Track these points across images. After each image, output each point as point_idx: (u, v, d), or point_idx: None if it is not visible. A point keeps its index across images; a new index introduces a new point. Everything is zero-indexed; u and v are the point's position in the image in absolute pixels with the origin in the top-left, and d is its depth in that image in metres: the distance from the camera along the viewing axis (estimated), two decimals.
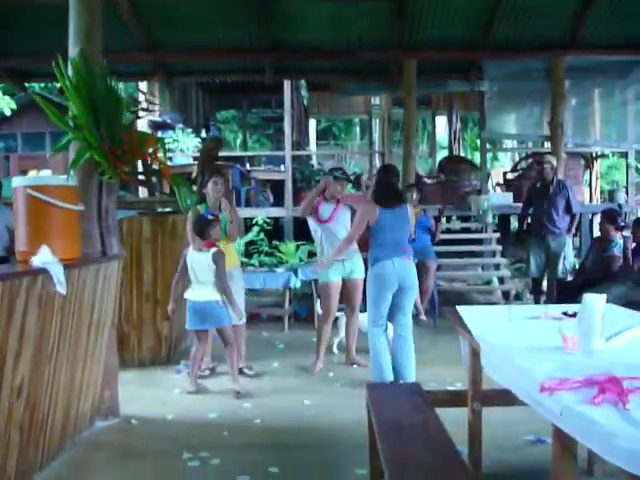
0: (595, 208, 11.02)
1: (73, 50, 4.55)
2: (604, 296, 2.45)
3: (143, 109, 4.74)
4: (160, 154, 4.58)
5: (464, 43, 8.94)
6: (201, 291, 5.25)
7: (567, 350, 2.47)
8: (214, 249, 5.22)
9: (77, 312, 3.98)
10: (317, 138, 21.78)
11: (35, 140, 14.79)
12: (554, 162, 7.65)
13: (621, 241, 6.57)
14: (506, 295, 9.44)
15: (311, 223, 6.11)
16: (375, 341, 5.26)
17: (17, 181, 4.16)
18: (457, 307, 3.75)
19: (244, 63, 9.75)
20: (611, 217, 6.71)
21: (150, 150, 4.50)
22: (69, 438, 4.14)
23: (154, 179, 6.82)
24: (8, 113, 12.91)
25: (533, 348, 2.55)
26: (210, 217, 5.32)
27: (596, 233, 9.25)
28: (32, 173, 12.25)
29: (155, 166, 4.75)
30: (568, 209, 7.57)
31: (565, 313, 3.29)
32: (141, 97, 5.07)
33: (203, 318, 5.27)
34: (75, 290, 3.92)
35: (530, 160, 11.38)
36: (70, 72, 4.39)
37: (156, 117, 12.73)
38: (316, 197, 6.03)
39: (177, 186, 4.66)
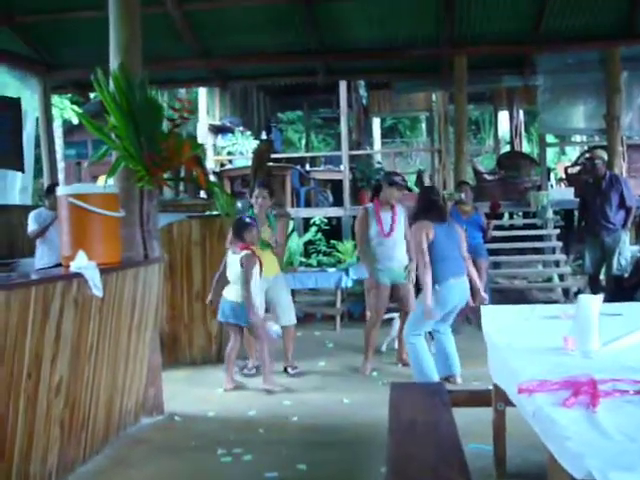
0: None
1: (114, 63, 4.75)
2: (601, 297, 2.44)
3: (182, 117, 4.87)
4: (197, 159, 4.72)
5: (515, 37, 8.79)
6: (232, 291, 5.46)
7: (565, 351, 2.47)
8: (245, 252, 5.37)
9: (116, 314, 4.18)
10: (383, 136, 21.70)
11: (104, 147, 15.28)
12: (605, 157, 7.47)
13: None
14: (566, 292, 9.24)
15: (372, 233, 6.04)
16: (416, 345, 5.26)
17: (60, 190, 4.42)
18: (481, 307, 3.77)
19: (296, 65, 9.87)
20: None
21: (187, 156, 4.65)
22: (113, 433, 4.34)
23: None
24: (76, 122, 13.46)
25: (532, 349, 2.56)
26: (248, 220, 5.48)
27: None
28: (101, 179, 12.72)
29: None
30: (622, 203, 7.38)
31: None
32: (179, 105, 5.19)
33: (228, 314, 5.49)
34: (113, 293, 4.11)
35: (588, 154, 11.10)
36: (111, 84, 4.60)
37: (216, 121, 13.04)
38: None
39: (214, 192, 4.79)
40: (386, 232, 5.91)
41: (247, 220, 5.46)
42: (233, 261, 5.43)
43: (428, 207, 5.30)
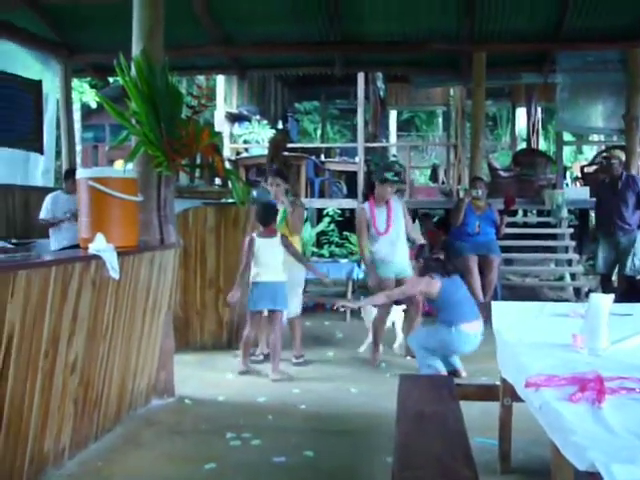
0: None
1: (136, 48, 4.79)
2: (612, 296, 2.47)
3: (202, 104, 4.92)
4: (215, 146, 4.76)
5: (535, 34, 8.74)
6: (271, 273, 5.51)
7: (574, 348, 2.50)
8: (279, 234, 5.55)
9: (132, 296, 4.25)
10: (399, 129, 21.66)
11: (122, 131, 15.35)
12: (622, 157, 7.46)
13: None
14: (578, 292, 9.25)
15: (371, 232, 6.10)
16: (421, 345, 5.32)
17: (80, 173, 4.48)
18: (492, 302, 3.81)
19: (315, 56, 9.87)
20: None
21: (205, 143, 4.69)
22: (125, 413, 4.42)
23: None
24: (94, 106, 13.57)
25: (541, 345, 2.60)
26: (275, 205, 5.62)
27: None
28: (118, 163, 12.80)
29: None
30: (638, 204, 7.38)
31: None
32: (198, 92, 5.23)
33: (273, 298, 5.52)
34: (129, 275, 4.18)
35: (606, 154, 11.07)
36: (133, 69, 4.65)
37: (233, 109, 13.08)
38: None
39: (231, 180, 4.84)
40: (381, 230, 5.95)
41: (275, 205, 5.59)
42: (267, 245, 5.51)
43: (430, 265, 5.32)
